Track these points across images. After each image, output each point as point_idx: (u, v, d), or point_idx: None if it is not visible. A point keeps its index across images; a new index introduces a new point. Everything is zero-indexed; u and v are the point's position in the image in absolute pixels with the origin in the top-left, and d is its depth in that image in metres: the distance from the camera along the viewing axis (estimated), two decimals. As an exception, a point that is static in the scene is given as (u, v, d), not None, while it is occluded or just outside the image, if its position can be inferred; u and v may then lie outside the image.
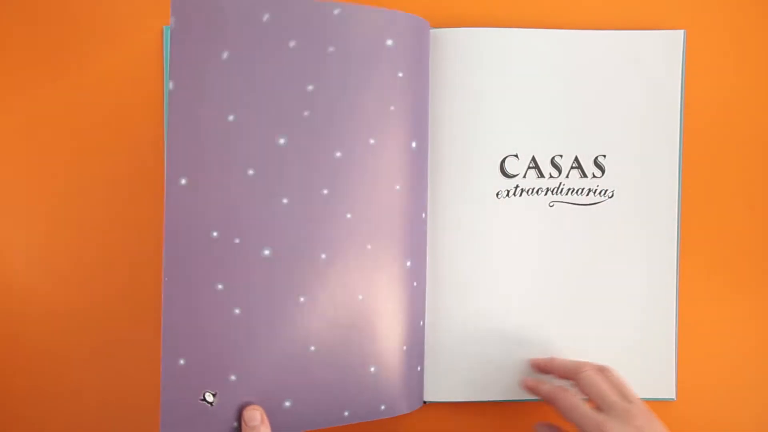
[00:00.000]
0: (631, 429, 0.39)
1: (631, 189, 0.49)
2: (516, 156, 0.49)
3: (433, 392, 0.47)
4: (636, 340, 0.50)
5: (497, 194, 0.49)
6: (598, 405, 0.41)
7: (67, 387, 0.48)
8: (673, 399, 0.50)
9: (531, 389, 0.46)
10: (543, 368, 0.47)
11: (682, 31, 0.49)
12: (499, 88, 0.48)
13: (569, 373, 0.45)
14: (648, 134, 0.49)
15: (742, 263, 0.52)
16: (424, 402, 0.47)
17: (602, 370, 0.44)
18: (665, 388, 0.50)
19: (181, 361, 0.39)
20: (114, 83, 0.47)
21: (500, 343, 0.48)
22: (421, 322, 0.46)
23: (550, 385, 0.45)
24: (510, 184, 0.49)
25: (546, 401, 0.44)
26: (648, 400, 0.49)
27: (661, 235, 0.50)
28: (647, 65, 0.49)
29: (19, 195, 0.48)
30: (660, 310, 0.50)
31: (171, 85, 0.38)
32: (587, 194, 0.49)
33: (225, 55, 0.39)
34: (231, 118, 0.39)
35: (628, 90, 0.49)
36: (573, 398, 0.42)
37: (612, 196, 0.49)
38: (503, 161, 0.49)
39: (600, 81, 0.49)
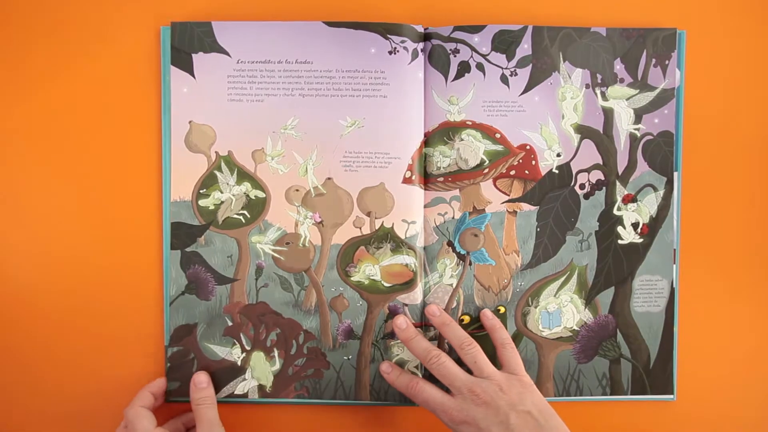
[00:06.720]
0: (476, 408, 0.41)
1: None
2: None
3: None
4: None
5: None
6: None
7: (65, 382, 0.49)
8: (673, 399, 0.50)
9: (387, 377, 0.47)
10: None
11: (682, 32, 0.49)
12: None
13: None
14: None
15: (742, 264, 0.51)
16: None
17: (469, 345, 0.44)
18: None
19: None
20: (112, 82, 0.49)
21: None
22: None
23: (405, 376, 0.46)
24: None
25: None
26: (648, 400, 0.50)
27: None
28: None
29: (19, 194, 0.49)
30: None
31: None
32: None
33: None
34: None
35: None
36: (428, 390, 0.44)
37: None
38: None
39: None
